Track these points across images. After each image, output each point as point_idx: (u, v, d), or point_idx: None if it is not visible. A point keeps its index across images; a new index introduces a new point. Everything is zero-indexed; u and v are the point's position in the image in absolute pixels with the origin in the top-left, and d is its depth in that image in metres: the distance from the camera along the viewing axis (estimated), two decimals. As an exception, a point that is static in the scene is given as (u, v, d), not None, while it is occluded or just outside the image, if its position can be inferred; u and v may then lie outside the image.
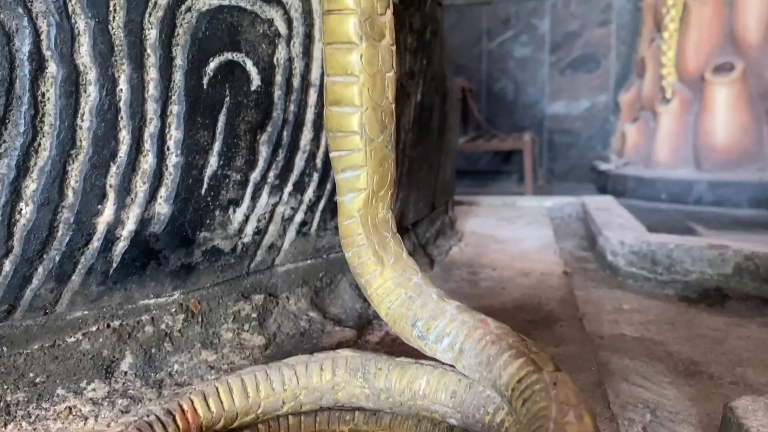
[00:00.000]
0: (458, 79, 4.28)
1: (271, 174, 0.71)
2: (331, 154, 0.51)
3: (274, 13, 0.67)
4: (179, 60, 0.61)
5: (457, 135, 1.28)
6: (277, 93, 0.69)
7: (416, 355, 0.52)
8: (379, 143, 0.50)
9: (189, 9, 0.61)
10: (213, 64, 0.64)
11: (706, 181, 3.53)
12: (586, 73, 4.51)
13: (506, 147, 3.90)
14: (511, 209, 1.59)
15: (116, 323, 0.64)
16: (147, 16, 0.59)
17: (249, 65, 0.66)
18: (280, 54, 0.68)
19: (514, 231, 1.33)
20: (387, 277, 0.51)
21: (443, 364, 0.51)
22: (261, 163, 0.70)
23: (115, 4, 0.57)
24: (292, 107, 0.71)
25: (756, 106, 3.52)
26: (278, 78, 0.69)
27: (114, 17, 0.57)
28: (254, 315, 0.71)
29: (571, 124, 4.60)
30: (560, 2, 4.50)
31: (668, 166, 3.75)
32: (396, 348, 0.51)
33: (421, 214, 1.11)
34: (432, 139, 1.12)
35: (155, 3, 0.59)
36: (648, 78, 3.92)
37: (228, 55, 0.64)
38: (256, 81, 0.67)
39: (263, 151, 0.70)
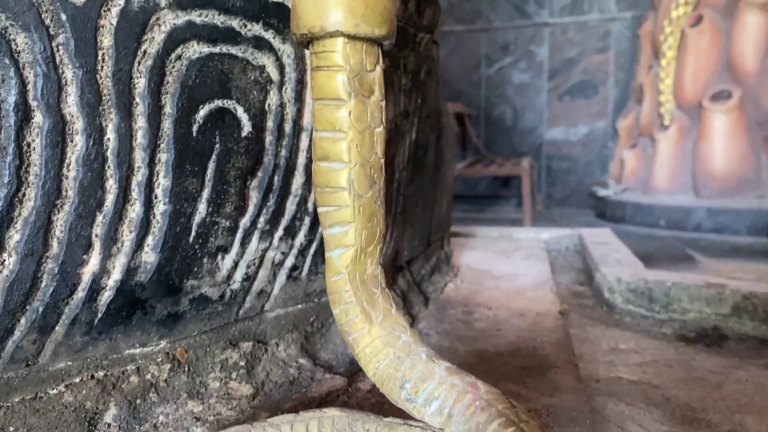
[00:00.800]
0: (457, 105, 4.30)
1: (262, 219, 0.70)
2: (319, 210, 0.50)
3: (266, 60, 0.67)
4: (168, 108, 0.61)
5: (453, 169, 1.27)
6: (269, 138, 0.69)
7: (405, 413, 0.51)
8: (368, 199, 0.49)
9: (179, 57, 0.61)
10: (203, 112, 0.63)
11: (705, 208, 3.53)
12: (584, 100, 4.53)
13: (504, 173, 3.90)
14: (507, 242, 1.57)
15: (100, 374, 0.63)
16: (136, 65, 0.58)
17: (240, 112, 0.66)
18: (272, 100, 0.68)
19: (510, 266, 1.32)
20: (375, 336, 0.50)
21: (432, 426, 0.50)
22: (251, 209, 0.69)
23: (103, 54, 0.57)
24: (283, 152, 0.70)
25: (754, 133, 3.53)
26: (269, 123, 0.68)
27: (102, 67, 0.57)
28: (242, 363, 0.70)
29: (570, 150, 4.62)
30: (558, 29, 4.53)
31: (667, 192, 3.75)
32: (387, 399, 0.50)
33: (416, 251, 1.10)
34: (427, 175, 1.11)
35: (144, 52, 0.59)
36: (646, 105, 3.94)
37: (218, 103, 0.64)
38: (246, 127, 0.66)
39: (254, 197, 0.69)
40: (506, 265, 1.32)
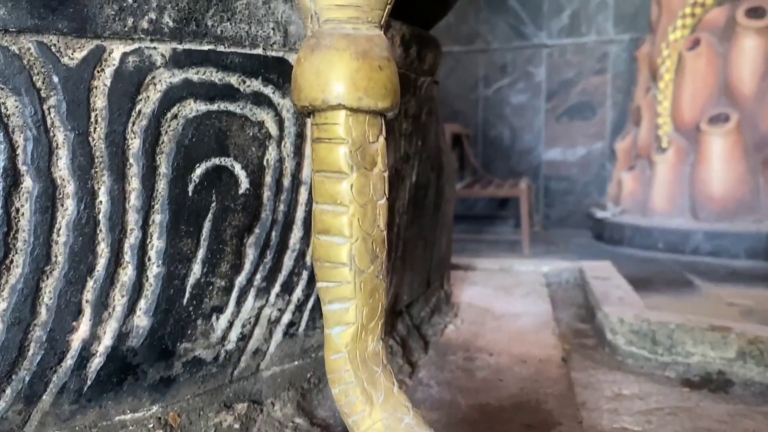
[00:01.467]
0: (455, 125, 4.29)
1: (258, 276, 0.68)
2: (318, 285, 0.48)
3: (265, 115, 0.65)
4: (163, 168, 0.59)
5: (453, 206, 1.25)
6: (267, 194, 0.67)
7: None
8: (369, 274, 0.47)
9: (175, 116, 0.59)
10: (199, 171, 0.61)
11: (703, 232, 3.51)
12: (582, 121, 4.53)
13: (502, 194, 3.88)
14: (507, 275, 1.56)
15: (89, 442, 0.61)
16: (130, 125, 0.57)
17: (237, 169, 0.64)
18: (271, 155, 0.66)
19: (511, 304, 1.30)
20: (376, 419, 0.48)
21: None
22: (247, 266, 0.67)
23: (96, 115, 0.55)
24: (281, 207, 0.69)
25: (751, 157, 3.53)
26: (268, 179, 0.67)
27: (95, 128, 0.55)
28: (237, 426, 0.68)
29: (568, 171, 4.61)
30: (556, 51, 4.54)
31: (665, 215, 3.74)
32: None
33: (416, 293, 1.08)
34: (427, 215, 1.10)
35: (139, 111, 0.57)
36: (644, 127, 3.94)
37: (215, 161, 0.62)
38: (244, 184, 0.65)
39: (250, 254, 0.67)
40: (507, 303, 1.30)
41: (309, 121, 0.64)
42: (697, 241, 3.55)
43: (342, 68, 0.44)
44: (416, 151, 0.98)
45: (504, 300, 1.33)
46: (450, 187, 1.24)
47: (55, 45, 0.53)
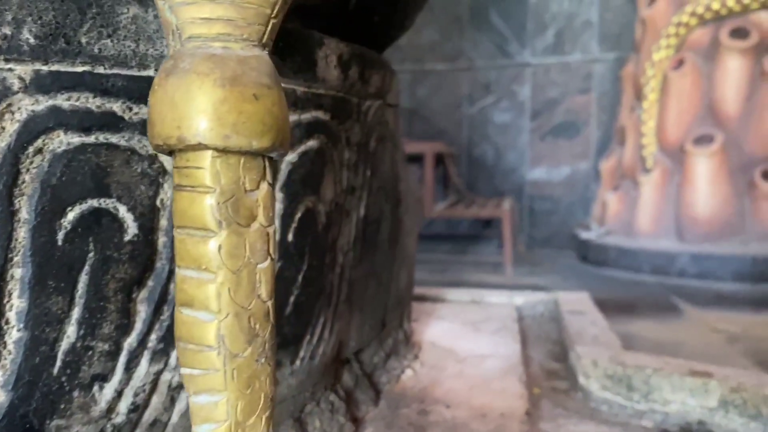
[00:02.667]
0: (438, 144, 4.21)
1: (153, 337, 0.58)
2: (182, 371, 0.38)
3: (159, 147, 0.55)
4: (24, 213, 0.49)
5: (415, 237, 1.16)
6: (162, 240, 0.57)
7: None
8: (246, 359, 0.38)
9: (39, 150, 0.49)
10: (72, 215, 0.51)
11: (689, 254, 3.44)
12: (566, 140, 4.47)
13: (485, 215, 3.80)
14: (478, 308, 1.46)
15: None
16: (-22, 162, 0.47)
17: (122, 211, 0.54)
18: (166, 194, 0.56)
19: (478, 342, 1.20)
20: None
21: None
22: (139, 326, 0.57)
23: (-68, 151, 0.45)
24: (183, 255, 0.58)
25: (737, 178, 3.47)
26: (162, 222, 0.56)
27: (-70, 166, 0.45)
28: None
29: (552, 191, 4.54)
30: (541, 69, 4.49)
31: (650, 236, 3.67)
32: None
33: (368, 338, 0.98)
34: (381, 250, 1.00)
35: (-9, 146, 0.47)
36: (629, 147, 3.88)
37: (93, 202, 0.52)
38: (131, 229, 0.55)
39: (142, 311, 0.57)
40: (473, 342, 1.20)
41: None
42: (683, 264, 3.48)
43: (203, 98, 0.35)
44: (364, 182, 0.88)
45: (471, 338, 1.23)
46: (411, 217, 1.14)
47: None
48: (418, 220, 1.17)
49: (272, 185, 0.39)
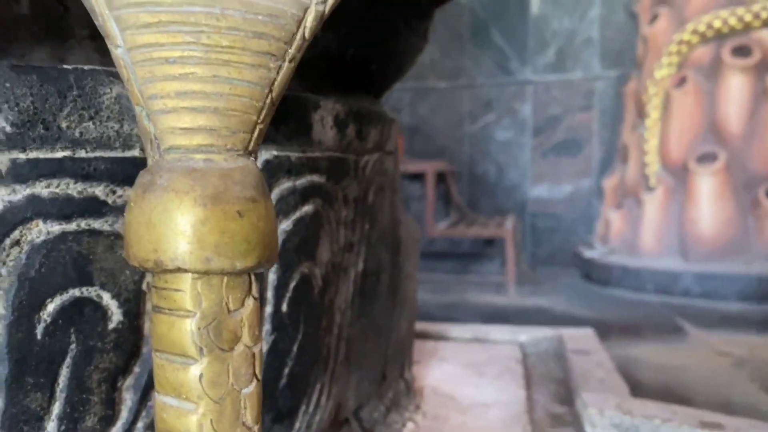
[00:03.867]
0: (440, 163, 4.19)
1: (140, 425, 0.55)
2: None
3: (145, 229, 0.53)
4: (0, 309, 0.46)
5: (415, 282, 1.13)
6: (147, 324, 0.54)
7: None
8: (231, 489, 0.35)
9: (17, 242, 0.46)
10: (52, 307, 0.48)
11: (693, 273, 3.42)
12: (568, 158, 4.45)
13: (488, 234, 3.77)
14: (481, 348, 1.43)
15: None
16: (-49, 259, 0.44)
17: (106, 299, 0.51)
18: (151, 277, 0.53)
19: (481, 389, 1.17)
20: None
21: None
22: (125, 415, 0.54)
23: None
24: (171, 337, 0.56)
25: (740, 196, 3.44)
26: (148, 306, 0.54)
27: None
28: None
29: (555, 208, 4.51)
30: (542, 87, 4.47)
31: (654, 255, 3.64)
32: None
33: (367, 394, 0.95)
34: (381, 301, 0.97)
35: (-36, 241, 0.44)
36: (631, 165, 3.86)
37: (74, 292, 0.49)
38: (116, 317, 0.52)
39: (128, 399, 0.54)
40: (477, 389, 1.17)
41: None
42: (687, 283, 3.45)
43: (182, 219, 0.32)
44: (362, 237, 0.85)
45: (474, 383, 1.20)
46: (411, 262, 1.12)
47: None
48: (417, 262, 1.14)
49: (258, 298, 0.36)
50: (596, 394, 1.14)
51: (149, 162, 0.35)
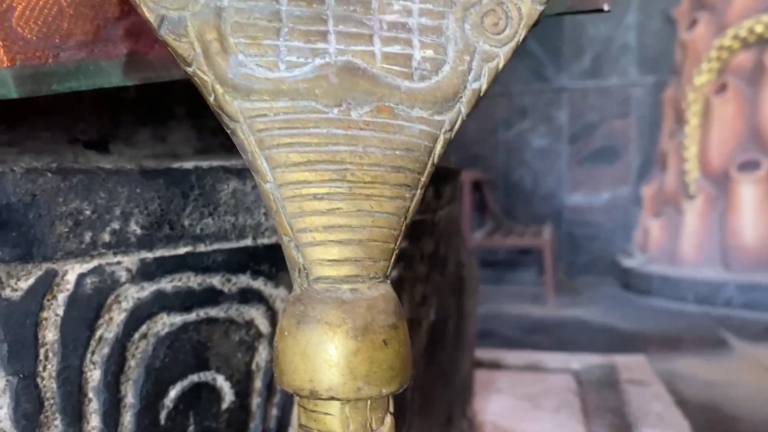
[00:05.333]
0: (476, 172, 4.19)
1: (249, 496, 0.58)
2: None
3: (255, 312, 0.55)
4: (130, 398, 0.49)
5: (475, 317, 1.15)
6: (256, 401, 0.57)
7: None
8: None
9: (144, 336, 0.49)
10: (174, 393, 0.51)
11: (736, 283, 3.36)
12: (606, 165, 4.41)
13: (525, 244, 3.76)
14: (535, 377, 1.44)
15: None
16: (89, 355, 0.47)
17: (220, 381, 0.54)
18: (261, 356, 0.56)
19: (540, 424, 1.19)
20: None
21: None
22: (235, 488, 0.57)
23: (46, 351, 0.45)
24: (274, 411, 0.58)
25: (785, 205, 3.39)
26: (257, 384, 0.57)
27: (45, 366, 0.46)
28: None
29: (593, 217, 4.48)
30: (578, 94, 4.44)
31: (694, 265, 3.59)
32: None
33: (435, 437, 0.97)
34: (448, 347, 0.99)
35: (100, 338, 0.47)
36: (670, 173, 3.81)
37: (193, 378, 0.52)
38: (228, 397, 0.55)
39: (238, 473, 0.57)
40: (535, 424, 1.18)
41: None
42: (730, 293, 3.40)
43: (335, 352, 0.34)
44: (435, 289, 0.87)
45: (532, 418, 1.21)
46: (472, 299, 1.13)
47: (-6, 276, 0.43)
48: (477, 300, 1.16)
49: (394, 413, 0.38)
50: (656, 430, 1.15)
51: (295, 288, 0.37)
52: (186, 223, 0.50)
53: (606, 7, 0.62)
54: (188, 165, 0.51)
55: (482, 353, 1.54)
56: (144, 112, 0.64)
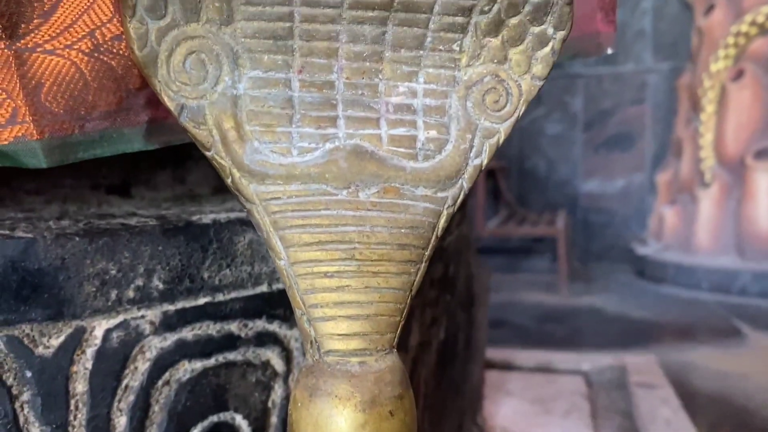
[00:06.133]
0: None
1: None
2: None
3: (271, 353, 0.58)
4: (154, 441, 0.52)
5: (485, 327, 1.17)
6: (273, 436, 0.60)
7: None
8: None
9: (167, 382, 0.52)
10: (195, 434, 0.55)
11: (751, 272, 3.36)
12: (620, 152, 4.39)
13: (539, 233, 3.77)
14: (545, 379, 1.47)
15: None
16: (116, 404, 0.50)
17: (238, 420, 0.57)
18: (277, 394, 0.59)
19: (550, 429, 1.22)
20: None
21: None
22: None
23: (77, 402, 0.49)
24: (291, 444, 0.62)
25: (801, 194, 3.37)
26: (273, 419, 0.60)
27: (75, 416, 0.49)
28: None
29: (607, 204, 4.46)
30: (593, 80, 4.41)
31: (709, 253, 3.59)
32: None
33: (446, 447, 1.00)
34: (458, 360, 1.02)
35: (126, 387, 0.51)
36: (685, 160, 3.79)
37: (213, 418, 0.55)
38: (247, 434, 0.58)
39: (256, 504, 0.60)
40: (545, 429, 1.21)
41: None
42: (744, 282, 3.40)
43: (344, 425, 0.37)
44: (444, 309, 0.90)
45: (542, 423, 1.24)
46: (482, 308, 1.16)
47: (28, 335, 0.47)
48: (487, 308, 1.19)
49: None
50: (664, 436, 1.17)
51: (308, 357, 0.40)
52: (205, 275, 0.53)
53: (609, 51, 0.63)
54: (207, 219, 0.54)
55: (493, 353, 1.57)
56: (163, 153, 0.66)
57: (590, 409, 1.33)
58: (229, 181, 0.40)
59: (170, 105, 0.39)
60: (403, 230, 0.40)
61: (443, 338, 0.92)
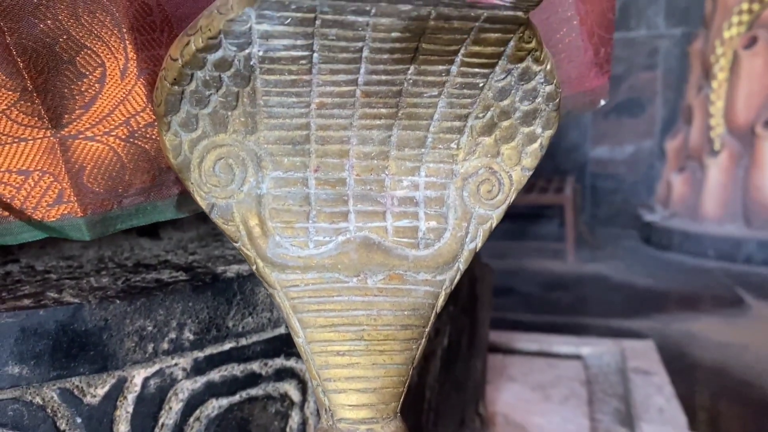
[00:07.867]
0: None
1: None
2: None
3: (288, 386, 0.65)
4: (186, 472, 0.59)
5: (487, 322, 1.24)
6: (292, 456, 0.67)
7: None
8: None
9: (198, 419, 0.59)
10: (223, 462, 0.62)
11: (757, 240, 3.39)
12: (630, 118, 4.38)
13: (546, 201, 3.80)
14: (546, 365, 1.54)
15: None
16: (155, 440, 0.57)
17: (260, 448, 0.64)
18: (294, 420, 0.66)
19: (548, 417, 1.29)
20: None
21: None
22: None
23: (121, 441, 0.56)
24: (307, 462, 0.69)
25: (810, 162, 3.39)
26: (292, 442, 0.67)
27: (120, 454, 0.56)
28: None
29: (615, 170, 4.48)
30: (604, 46, 4.36)
31: (716, 221, 3.62)
32: None
33: (449, 439, 1.08)
34: (461, 359, 1.08)
35: (162, 425, 0.57)
36: (695, 127, 3.79)
37: (238, 448, 0.62)
38: (268, 457, 0.65)
39: None
40: (544, 417, 1.29)
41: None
42: (750, 250, 3.44)
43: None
44: (448, 318, 0.96)
45: (542, 410, 1.32)
46: (485, 306, 1.22)
47: (77, 387, 0.53)
48: (490, 304, 1.25)
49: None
50: (655, 424, 1.25)
51: (323, 421, 0.46)
52: (230, 324, 0.59)
53: (602, 102, 0.67)
54: (231, 273, 0.60)
55: (496, 336, 1.64)
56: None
57: (587, 396, 1.40)
58: (254, 268, 0.45)
59: (202, 204, 0.44)
60: (406, 312, 0.46)
61: (447, 344, 0.98)
